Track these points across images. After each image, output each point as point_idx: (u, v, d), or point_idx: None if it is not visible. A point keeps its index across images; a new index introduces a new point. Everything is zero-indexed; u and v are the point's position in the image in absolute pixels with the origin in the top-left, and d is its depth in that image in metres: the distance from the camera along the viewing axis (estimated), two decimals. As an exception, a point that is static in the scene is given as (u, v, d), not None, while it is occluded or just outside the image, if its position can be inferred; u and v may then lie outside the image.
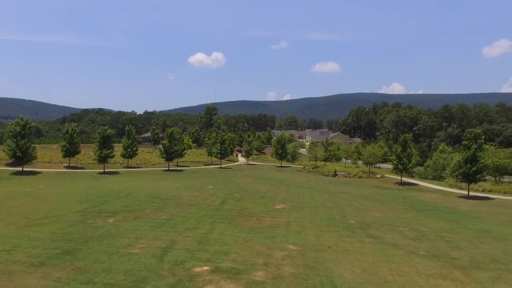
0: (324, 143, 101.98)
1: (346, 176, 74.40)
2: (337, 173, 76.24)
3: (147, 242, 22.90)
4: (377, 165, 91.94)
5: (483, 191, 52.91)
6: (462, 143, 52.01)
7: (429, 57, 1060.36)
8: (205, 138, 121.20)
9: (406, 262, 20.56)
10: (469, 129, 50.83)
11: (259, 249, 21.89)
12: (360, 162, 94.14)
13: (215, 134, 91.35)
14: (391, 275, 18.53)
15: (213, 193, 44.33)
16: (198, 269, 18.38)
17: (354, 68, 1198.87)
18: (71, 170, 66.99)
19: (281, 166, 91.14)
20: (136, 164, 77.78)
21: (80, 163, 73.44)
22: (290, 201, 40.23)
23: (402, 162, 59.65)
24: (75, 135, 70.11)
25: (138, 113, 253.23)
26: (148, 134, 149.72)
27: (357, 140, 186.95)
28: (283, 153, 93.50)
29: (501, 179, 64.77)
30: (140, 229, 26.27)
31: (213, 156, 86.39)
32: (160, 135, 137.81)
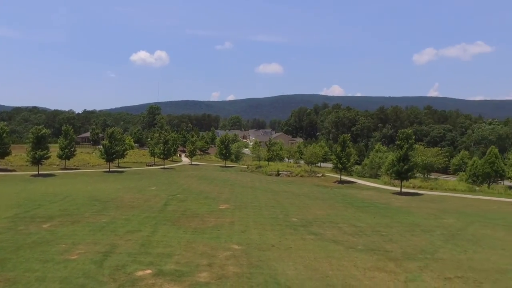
0: (267, 143, 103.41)
1: (289, 176, 75.94)
2: (280, 172, 77.56)
3: (86, 247, 21.96)
4: (318, 164, 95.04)
5: (413, 187, 56.71)
6: (395, 143, 55.35)
7: (366, 61, 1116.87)
8: (148, 138, 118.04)
9: (345, 257, 21.57)
10: (402, 130, 54.26)
11: (203, 250, 21.84)
12: (302, 162, 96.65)
13: (158, 134, 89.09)
14: (331, 270, 19.34)
15: (156, 194, 43.39)
16: (140, 273, 17.97)
17: (296, 70, 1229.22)
18: (0, 173, 62.19)
19: (225, 166, 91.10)
20: (74, 165, 73.91)
21: (11, 165, 68.41)
22: (234, 201, 40.44)
23: (341, 161, 62.16)
24: (4, 134, 65.16)
25: (76, 112, 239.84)
26: (87, 134, 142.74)
27: (299, 140, 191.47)
28: (227, 153, 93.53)
29: (428, 176, 69.80)
30: (78, 234, 25.10)
31: (156, 156, 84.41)
32: (100, 135, 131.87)
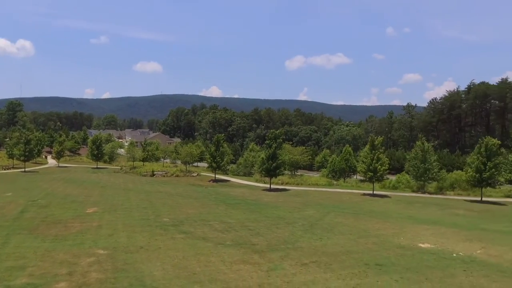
0: (143, 143, 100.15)
1: (164, 176, 74.81)
2: (155, 173, 75.91)
3: None
4: (196, 164, 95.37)
5: (282, 183, 61.06)
6: (265, 142, 58.89)
7: (244, 64, 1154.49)
8: (6, 138, 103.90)
9: (214, 253, 22.26)
10: (271, 130, 58.06)
11: (63, 258, 20.28)
12: (179, 162, 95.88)
13: (18, 134, 78.92)
14: (199, 267, 19.79)
15: (12, 200, 38.61)
16: (-18, 291, 15.92)
17: (176, 69, 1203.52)
18: None
19: (97, 168, 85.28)
20: None
21: None
22: (104, 203, 38.27)
23: (215, 160, 63.55)
24: None
25: None
26: None
27: (177, 140, 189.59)
28: (99, 153, 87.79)
29: (295, 172, 75.88)
30: None
31: (15, 158, 74.82)
32: None
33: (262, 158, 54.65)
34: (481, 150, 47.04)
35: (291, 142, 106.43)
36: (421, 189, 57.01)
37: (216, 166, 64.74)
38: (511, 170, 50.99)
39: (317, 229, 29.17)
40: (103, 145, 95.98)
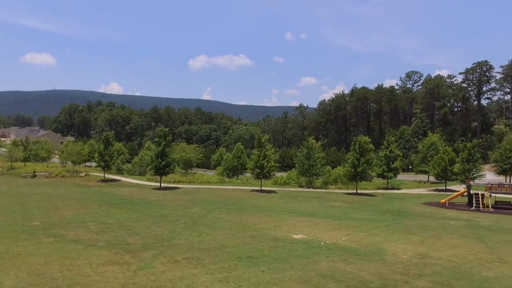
0: (24, 142, 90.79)
1: (47, 177, 68.95)
2: (36, 174, 69.48)
3: None
4: (89, 164, 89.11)
5: (174, 182, 60.11)
6: (154, 140, 57.42)
7: (146, 62, 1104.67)
8: None
9: (82, 256, 20.91)
10: (159, 128, 56.80)
11: None
12: (69, 162, 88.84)
13: None
14: (60, 271, 18.39)
15: None
16: None
17: (72, 63, 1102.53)
18: None
19: (-37, 170, 74.76)
20: None
21: None
22: (-40, 209, 33.63)
23: (104, 159, 60.14)
24: None
25: None
26: None
27: (71, 138, 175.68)
28: (-34, 153, 77.10)
29: (189, 171, 75.36)
30: None
31: None
32: None
33: (151, 156, 53.15)
34: (356, 147, 51.82)
35: (191, 141, 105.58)
36: (308, 184, 60.77)
37: (105, 165, 61.31)
38: (381, 165, 57.01)
39: (198, 226, 29.21)
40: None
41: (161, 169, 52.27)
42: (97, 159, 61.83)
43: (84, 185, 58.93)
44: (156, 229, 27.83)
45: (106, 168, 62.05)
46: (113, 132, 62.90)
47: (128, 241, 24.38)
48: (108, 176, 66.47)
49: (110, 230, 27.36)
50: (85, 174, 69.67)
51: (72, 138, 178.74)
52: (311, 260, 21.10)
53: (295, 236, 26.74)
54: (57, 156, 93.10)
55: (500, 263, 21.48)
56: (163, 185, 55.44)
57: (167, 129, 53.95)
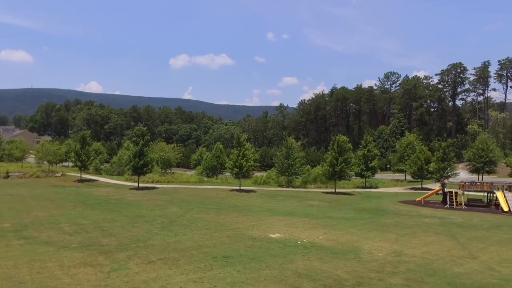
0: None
1: (22, 177, 67.11)
2: (10, 174, 67.51)
3: None
4: (66, 163, 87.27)
5: (152, 182, 59.36)
6: (132, 139, 56.64)
7: (126, 61, 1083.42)
8: None
9: (53, 258, 20.38)
10: (137, 127, 56.07)
11: None
12: (46, 162, 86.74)
13: None
14: (29, 274, 17.86)
15: None
16: None
17: (49, 61, 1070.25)
18: None
19: None
20: None
21: None
22: None
23: (80, 159, 58.97)
24: None
25: None
26: None
27: (48, 138, 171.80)
28: None
29: (168, 170, 74.61)
30: None
31: None
32: None
33: (129, 156, 52.38)
34: (334, 146, 52.31)
35: (171, 140, 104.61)
36: (288, 183, 61.00)
37: (82, 165, 60.12)
38: (359, 164, 57.75)
39: (175, 226, 28.90)
40: None
41: (139, 169, 51.58)
42: (73, 159, 60.57)
43: (59, 186, 57.63)
44: (132, 230, 27.39)
45: (83, 168, 60.85)
46: (89, 131, 61.62)
47: (103, 242, 23.91)
48: (85, 176, 65.22)
49: (84, 231, 26.78)
50: (61, 174, 68.13)
51: (49, 138, 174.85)
52: (287, 259, 21.13)
53: (272, 235, 26.76)
54: (33, 156, 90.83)
55: (471, 258, 22.00)
56: (141, 185, 54.71)
57: (146, 128, 53.26)
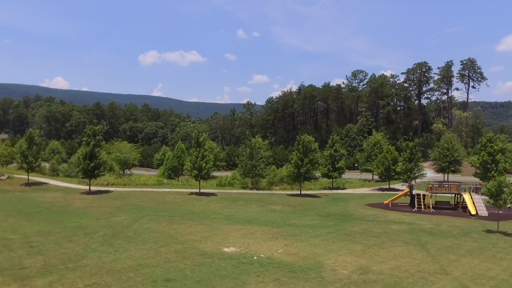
0: None
1: (-39, 180, 61.01)
2: None
3: None
4: (16, 164, 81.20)
5: (107, 184, 55.07)
6: (82, 139, 52.41)
7: (94, 56, 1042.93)
8: None
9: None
10: (89, 126, 51.74)
11: None
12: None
13: None
14: None
15: None
16: None
17: (11, 55, 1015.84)
18: None
19: None
20: None
21: None
22: None
23: (27, 160, 54.07)
24: None
25: None
26: None
27: (4, 136, 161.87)
28: None
29: (126, 171, 70.26)
30: None
31: None
32: None
33: (78, 157, 48.13)
34: (299, 147, 49.95)
35: (137, 139, 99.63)
36: (253, 184, 58.26)
37: (28, 167, 55.25)
38: (326, 165, 55.76)
39: (118, 240, 25.58)
40: None
41: (90, 172, 47.42)
42: (19, 160, 55.57)
43: (3, 190, 52.56)
44: (66, 246, 23.89)
45: (30, 170, 55.92)
46: (37, 130, 56.67)
47: (24, 264, 20.40)
48: (34, 178, 60.10)
49: (7, 249, 23.10)
50: (7, 177, 62.45)
51: (5, 136, 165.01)
52: (238, 282, 18.42)
53: (226, 250, 23.95)
54: None
55: (442, 274, 20.01)
56: (94, 188, 50.53)
57: (97, 127, 49.15)
